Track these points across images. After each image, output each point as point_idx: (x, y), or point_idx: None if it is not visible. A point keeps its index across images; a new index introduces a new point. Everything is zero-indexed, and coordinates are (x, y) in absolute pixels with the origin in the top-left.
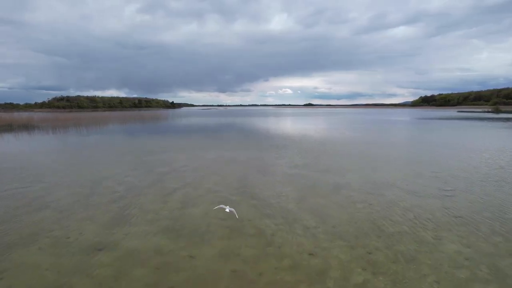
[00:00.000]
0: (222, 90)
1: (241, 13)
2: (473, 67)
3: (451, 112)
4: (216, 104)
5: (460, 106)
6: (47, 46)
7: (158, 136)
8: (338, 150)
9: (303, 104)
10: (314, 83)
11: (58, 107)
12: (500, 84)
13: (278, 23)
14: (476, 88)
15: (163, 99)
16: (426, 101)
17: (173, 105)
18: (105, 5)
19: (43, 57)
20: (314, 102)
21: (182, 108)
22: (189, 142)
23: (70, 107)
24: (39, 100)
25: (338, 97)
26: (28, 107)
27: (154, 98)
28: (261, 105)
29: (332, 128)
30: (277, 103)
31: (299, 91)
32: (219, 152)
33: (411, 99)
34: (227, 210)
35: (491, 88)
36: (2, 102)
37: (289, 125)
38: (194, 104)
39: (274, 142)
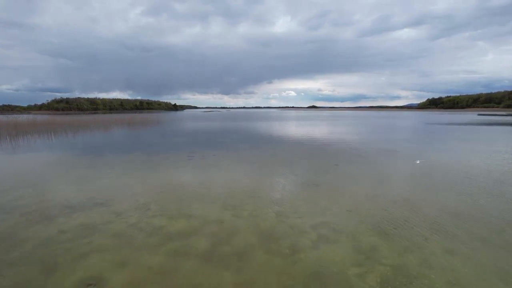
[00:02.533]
0: (225, 92)
1: (245, 16)
2: (478, 69)
3: (471, 115)
4: (219, 106)
5: (471, 109)
6: (53, 48)
7: (114, 158)
8: (439, 202)
9: (307, 106)
10: (318, 85)
11: (57, 109)
12: (506, 86)
13: (282, 25)
14: (481, 90)
15: (166, 101)
16: (433, 104)
17: (175, 107)
18: (111, 8)
19: (49, 59)
20: (317, 104)
21: (184, 110)
22: (156, 174)
23: (69, 109)
24: (44, 102)
25: (342, 99)
26: (25, 109)
27: (156, 100)
28: (264, 108)
29: (371, 140)
30: (281, 105)
31: (302, 93)
32: (196, 211)
33: (415, 101)
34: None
35: (497, 90)
36: (7, 103)
37: (309, 134)
38: (198, 106)
39: (302, 172)
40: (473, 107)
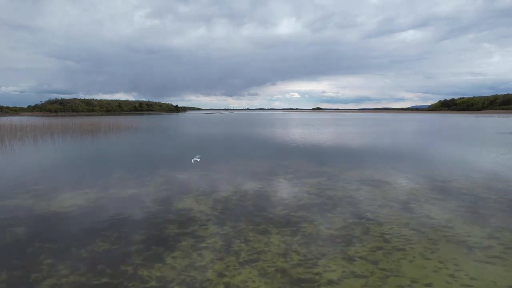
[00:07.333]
0: (229, 94)
1: (249, 17)
2: (483, 71)
3: None
4: (223, 108)
5: (489, 111)
6: (58, 50)
7: None
8: None
9: (311, 108)
10: (322, 87)
11: (50, 111)
12: (511, 88)
13: (286, 27)
14: (487, 92)
15: (168, 102)
16: (445, 105)
17: (177, 109)
18: (116, 10)
19: (55, 61)
20: (321, 106)
21: (186, 112)
22: None
23: (63, 111)
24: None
25: (346, 101)
26: (15, 110)
27: (156, 102)
28: (268, 109)
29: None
30: (285, 107)
31: (306, 95)
32: None
33: (419, 103)
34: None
35: (503, 92)
36: (13, 105)
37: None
38: (202, 108)
39: None
40: (490, 109)
